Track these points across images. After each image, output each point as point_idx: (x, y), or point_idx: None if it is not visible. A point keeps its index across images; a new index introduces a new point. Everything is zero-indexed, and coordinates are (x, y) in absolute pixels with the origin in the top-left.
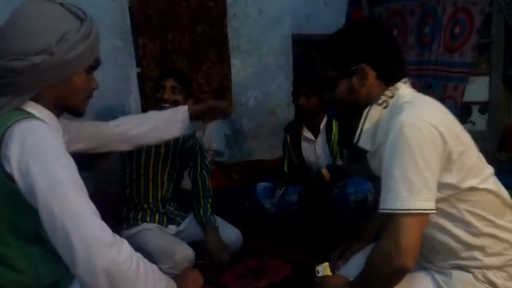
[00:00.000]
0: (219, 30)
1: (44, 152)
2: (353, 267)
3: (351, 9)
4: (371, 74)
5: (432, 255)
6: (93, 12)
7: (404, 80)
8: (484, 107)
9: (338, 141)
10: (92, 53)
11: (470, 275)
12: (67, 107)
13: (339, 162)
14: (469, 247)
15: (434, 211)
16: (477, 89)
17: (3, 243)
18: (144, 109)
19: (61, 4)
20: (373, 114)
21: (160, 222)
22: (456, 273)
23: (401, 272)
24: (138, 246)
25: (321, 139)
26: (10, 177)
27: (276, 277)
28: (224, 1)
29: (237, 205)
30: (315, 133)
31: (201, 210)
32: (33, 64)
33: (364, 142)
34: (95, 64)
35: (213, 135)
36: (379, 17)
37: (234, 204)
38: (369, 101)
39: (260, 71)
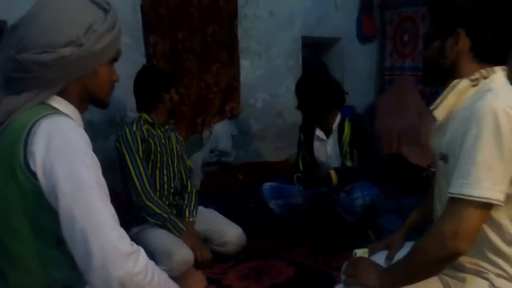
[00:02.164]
0: (230, 30)
1: (70, 152)
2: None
3: (362, 14)
4: (465, 43)
5: None
6: None
7: (504, 67)
8: None
9: (350, 141)
10: (116, 45)
11: (486, 283)
12: (93, 99)
13: (349, 163)
14: (497, 252)
15: (502, 204)
16: None
17: (21, 242)
18: None
19: None
20: (461, 88)
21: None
22: (470, 278)
23: (454, 257)
24: (142, 244)
25: (332, 139)
26: (34, 175)
27: (279, 278)
28: (235, 2)
29: (242, 205)
30: (327, 133)
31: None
32: (62, 57)
33: (439, 112)
34: (117, 55)
35: (219, 136)
36: (390, 22)
37: (239, 204)
38: (455, 72)
39: (269, 73)
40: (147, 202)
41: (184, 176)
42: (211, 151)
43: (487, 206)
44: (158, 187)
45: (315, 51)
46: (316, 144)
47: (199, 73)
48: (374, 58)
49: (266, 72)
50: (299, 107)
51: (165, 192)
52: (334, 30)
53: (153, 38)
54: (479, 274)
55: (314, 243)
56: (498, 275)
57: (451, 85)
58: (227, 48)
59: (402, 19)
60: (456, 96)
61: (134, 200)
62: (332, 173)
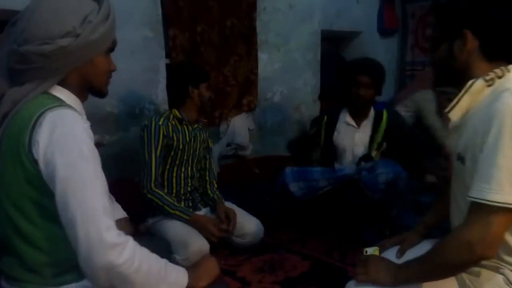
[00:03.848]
0: (248, 23)
1: (70, 143)
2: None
3: (383, 6)
4: (473, 44)
5: None
6: (126, 3)
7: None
8: None
9: (385, 132)
10: (111, 34)
11: (500, 277)
12: (91, 88)
13: (375, 154)
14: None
15: None
16: None
17: (31, 223)
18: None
19: None
20: (476, 88)
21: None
22: (485, 273)
23: (479, 261)
24: (159, 234)
25: (365, 127)
26: (36, 162)
27: (294, 272)
28: None
29: (257, 199)
30: (358, 120)
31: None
32: (61, 47)
33: (454, 113)
34: (113, 45)
35: (236, 129)
36: (412, 16)
37: (254, 198)
38: (467, 73)
39: (287, 66)
40: (154, 188)
41: (207, 179)
42: (228, 145)
43: (511, 211)
44: (174, 184)
45: (335, 45)
46: (341, 129)
47: (217, 66)
48: (395, 52)
49: (284, 65)
50: (357, 84)
51: (182, 190)
52: (354, 24)
53: (173, 31)
54: (495, 269)
55: (330, 238)
56: None
57: (466, 85)
58: (245, 41)
59: (424, 12)
60: (471, 97)
61: (144, 185)
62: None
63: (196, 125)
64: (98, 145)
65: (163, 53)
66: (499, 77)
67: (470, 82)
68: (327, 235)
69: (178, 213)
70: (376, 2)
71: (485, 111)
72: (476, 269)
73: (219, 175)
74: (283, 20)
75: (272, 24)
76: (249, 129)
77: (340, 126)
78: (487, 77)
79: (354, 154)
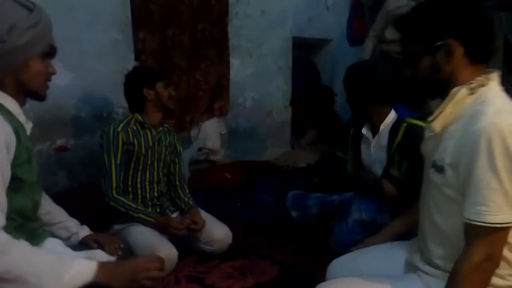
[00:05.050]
0: (220, 28)
1: None
2: (373, 259)
3: (353, 15)
4: (459, 51)
5: (447, 252)
6: (94, 3)
7: (498, 72)
8: None
9: (400, 147)
10: (43, 39)
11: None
12: (28, 91)
13: (395, 173)
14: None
15: None
16: None
17: None
18: None
19: None
20: (459, 97)
21: (155, 212)
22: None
23: (491, 275)
24: (125, 242)
25: (378, 140)
26: None
27: (263, 278)
28: (226, 0)
29: (229, 204)
30: (374, 132)
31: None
32: None
33: (437, 123)
34: (50, 50)
35: (208, 134)
36: None
37: (226, 203)
38: (453, 81)
39: (259, 71)
40: (116, 195)
41: (177, 184)
42: (199, 149)
43: (509, 228)
44: (139, 190)
45: (306, 52)
46: (363, 144)
47: (188, 70)
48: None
49: (256, 71)
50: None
51: (148, 195)
52: (325, 31)
53: (142, 34)
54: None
55: (300, 243)
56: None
57: (450, 94)
58: (217, 45)
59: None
60: (454, 106)
61: (105, 193)
62: (386, 183)
63: (160, 128)
64: (62, 149)
65: (132, 56)
66: (482, 85)
67: (454, 91)
68: (297, 240)
69: (142, 215)
70: (346, 11)
71: (469, 126)
72: (444, 274)
73: (190, 180)
74: (255, 26)
75: (244, 30)
76: (220, 134)
77: (362, 139)
78: (471, 86)
79: (375, 173)
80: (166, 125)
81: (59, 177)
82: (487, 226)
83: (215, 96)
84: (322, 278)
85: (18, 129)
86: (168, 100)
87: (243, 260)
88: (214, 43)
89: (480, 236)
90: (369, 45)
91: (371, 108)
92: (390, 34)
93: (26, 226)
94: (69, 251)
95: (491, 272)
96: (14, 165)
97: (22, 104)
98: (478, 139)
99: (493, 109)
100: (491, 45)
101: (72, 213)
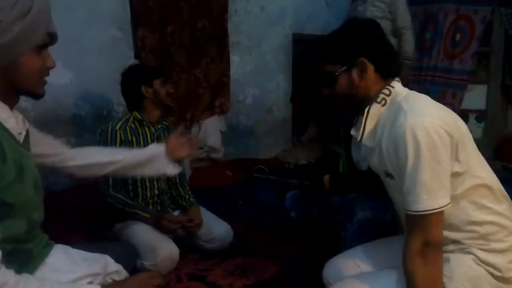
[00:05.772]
0: (220, 25)
1: None
2: (369, 254)
3: None
4: (370, 68)
5: None
6: (93, 1)
7: (397, 79)
8: (481, 116)
9: None
10: (36, 30)
11: (469, 257)
12: (22, 91)
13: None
14: (472, 223)
15: (450, 204)
16: (475, 97)
17: None
18: None
19: None
20: (373, 113)
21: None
22: (454, 257)
23: (437, 257)
24: (126, 239)
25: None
26: None
27: (264, 275)
28: None
29: (230, 202)
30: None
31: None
32: None
33: (367, 140)
34: (48, 40)
35: (208, 132)
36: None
37: (227, 201)
38: (368, 96)
39: (259, 68)
40: (112, 192)
41: (178, 181)
42: (200, 147)
43: (437, 213)
44: (139, 188)
45: (306, 48)
46: (353, 144)
47: (188, 67)
48: None
49: (256, 68)
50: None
51: (148, 194)
52: (324, 27)
53: (142, 31)
54: (462, 250)
55: (303, 241)
56: (480, 249)
57: (365, 113)
58: (217, 43)
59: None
60: (372, 120)
61: (103, 191)
62: (326, 178)
63: (159, 126)
64: None
65: (132, 54)
66: (388, 95)
67: (367, 110)
68: (298, 238)
69: (137, 211)
70: (345, 7)
71: (391, 131)
72: (444, 255)
73: (191, 177)
74: (254, 23)
75: (244, 26)
76: (221, 132)
77: (353, 138)
78: (378, 99)
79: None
80: (165, 122)
81: (59, 176)
82: (423, 214)
83: (215, 93)
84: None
85: (1, 141)
86: (166, 97)
87: (244, 258)
88: (214, 40)
89: (416, 224)
90: None
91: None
92: None
93: (19, 250)
94: (73, 267)
95: (435, 253)
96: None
97: (14, 103)
98: (396, 141)
99: (403, 113)
100: (395, 63)
101: (72, 212)
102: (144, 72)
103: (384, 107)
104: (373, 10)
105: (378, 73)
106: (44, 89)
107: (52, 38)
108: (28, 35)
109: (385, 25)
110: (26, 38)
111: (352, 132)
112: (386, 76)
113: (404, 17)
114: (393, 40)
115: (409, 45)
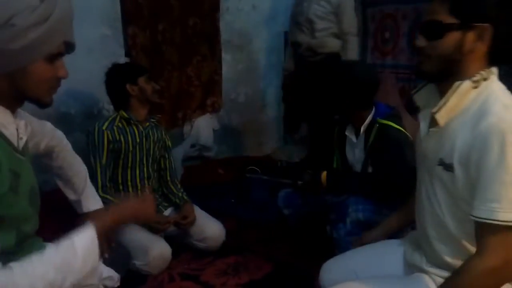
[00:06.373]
0: (211, 23)
1: None
2: (366, 259)
3: None
4: (486, 42)
5: (456, 253)
6: None
7: (496, 67)
8: None
9: (374, 147)
10: (53, 38)
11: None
12: (27, 98)
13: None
14: None
15: None
16: None
17: None
18: None
19: None
20: (463, 90)
21: None
22: None
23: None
24: (118, 240)
25: (360, 142)
26: None
27: (257, 274)
28: None
29: (222, 200)
30: (357, 133)
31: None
32: None
33: (441, 116)
34: (63, 49)
35: (201, 130)
36: (372, 19)
37: (219, 199)
38: (463, 71)
39: (251, 67)
40: (102, 194)
41: (168, 179)
42: (192, 146)
43: None
44: (130, 187)
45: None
46: (347, 145)
47: (179, 65)
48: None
49: (248, 66)
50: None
51: (139, 193)
52: None
53: (132, 29)
54: None
55: (296, 239)
56: None
57: (453, 87)
58: (208, 41)
59: (383, 16)
60: (457, 99)
61: None
62: (323, 175)
63: (147, 124)
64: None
65: (123, 52)
66: (484, 79)
67: (457, 84)
68: (292, 236)
69: None
70: None
71: (477, 122)
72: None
73: (184, 176)
74: (246, 21)
75: (236, 25)
76: (213, 130)
77: (347, 141)
78: (475, 78)
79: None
80: (153, 120)
81: (50, 176)
82: (501, 225)
83: (207, 92)
84: (317, 275)
85: None
86: (152, 94)
87: (237, 256)
88: (206, 38)
89: (495, 237)
90: (290, 51)
91: (354, 113)
92: (302, 38)
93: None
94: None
95: (507, 279)
96: None
97: (16, 107)
98: (489, 136)
99: (500, 104)
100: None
101: (63, 212)
102: (128, 70)
103: (475, 90)
104: (317, 9)
105: (488, 54)
106: (52, 98)
107: (68, 47)
108: (42, 43)
109: (327, 26)
110: (40, 46)
111: (347, 132)
112: (495, 61)
113: (351, 22)
114: (337, 42)
115: (353, 53)
